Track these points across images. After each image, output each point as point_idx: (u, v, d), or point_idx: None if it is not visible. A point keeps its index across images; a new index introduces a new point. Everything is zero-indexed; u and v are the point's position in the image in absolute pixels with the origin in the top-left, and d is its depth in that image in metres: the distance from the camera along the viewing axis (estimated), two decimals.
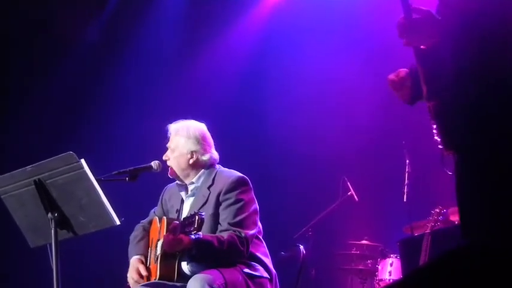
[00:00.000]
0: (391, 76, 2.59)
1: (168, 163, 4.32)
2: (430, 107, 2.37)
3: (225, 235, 3.98)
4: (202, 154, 4.31)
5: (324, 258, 7.62)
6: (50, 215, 3.42)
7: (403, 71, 2.54)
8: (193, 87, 8.10)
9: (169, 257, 4.03)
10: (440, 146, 2.33)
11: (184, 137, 4.31)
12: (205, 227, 3.92)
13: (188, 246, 3.86)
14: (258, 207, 4.25)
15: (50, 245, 3.42)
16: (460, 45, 2.14)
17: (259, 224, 4.25)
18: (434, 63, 2.31)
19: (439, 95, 2.31)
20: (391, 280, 6.63)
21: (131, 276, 4.17)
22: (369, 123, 7.94)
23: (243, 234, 4.01)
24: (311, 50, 8.06)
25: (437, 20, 2.31)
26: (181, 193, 4.37)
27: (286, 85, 8.04)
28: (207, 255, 3.95)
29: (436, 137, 2.36)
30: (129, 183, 4.05)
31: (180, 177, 4.32)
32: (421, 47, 2.35)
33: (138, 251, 4.29)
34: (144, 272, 4.12)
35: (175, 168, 4.30)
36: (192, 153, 4.28)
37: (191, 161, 4.28)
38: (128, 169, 4.07)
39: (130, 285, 4.18)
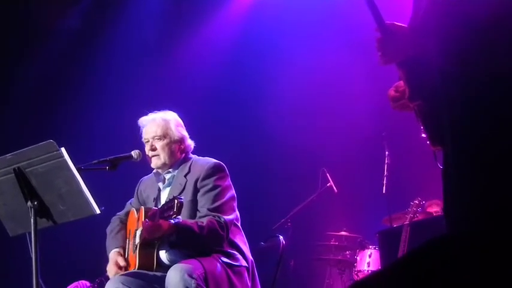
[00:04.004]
0: (392, 92, 2.52)
1: (155, 153, 4.26)
2: (415, 107, 2.38)
3: (204, 220, 3.98)
4: (188, 139, 4.36)
5: (302, 249, 7.65)
6: (29, 203, 3.40)
7: (401, 85, 2.47)
8: (173, 77, 8.07)
9: (148, 246, 4.02)
10: (428, 142, 2.34)
11: (173, 124, 4.32)
12: (184, 214, 3.92)
13: (167, 232, 3.85)
14: (235, 193, 4.26)
15: (29, 233, 3.41)
16: (446, 45, 2.15)
17: (237, 211, 4.26)
18: (415, 64, 2.32)
19: (422, 94, 2.32)
20: (369, 271, 6.67)
21: (110, 269, 4.15)
22: (349, 115, 7.96)
23: (222, 219, 4.02)
24: (292, 42, 8.06)
25: (407, 32, 2.31)
26: (158, 183, 4.35)
27: (267, 76, 8.03)
28: (187, 241, 3.94)
29: (423, 134, 2.37)
30: (110, 172, 4.02)
31: (168, 165, 4.28)
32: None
33: (116, 243, 4.26)
34: (122, 263, 4.11)
35: (166, 156, 4.26)
36: (182, 138, 4.31)
37: (182, 146, 4.31)
38: (108, 158, 4.05)
39: (110, 278, 4.15)
